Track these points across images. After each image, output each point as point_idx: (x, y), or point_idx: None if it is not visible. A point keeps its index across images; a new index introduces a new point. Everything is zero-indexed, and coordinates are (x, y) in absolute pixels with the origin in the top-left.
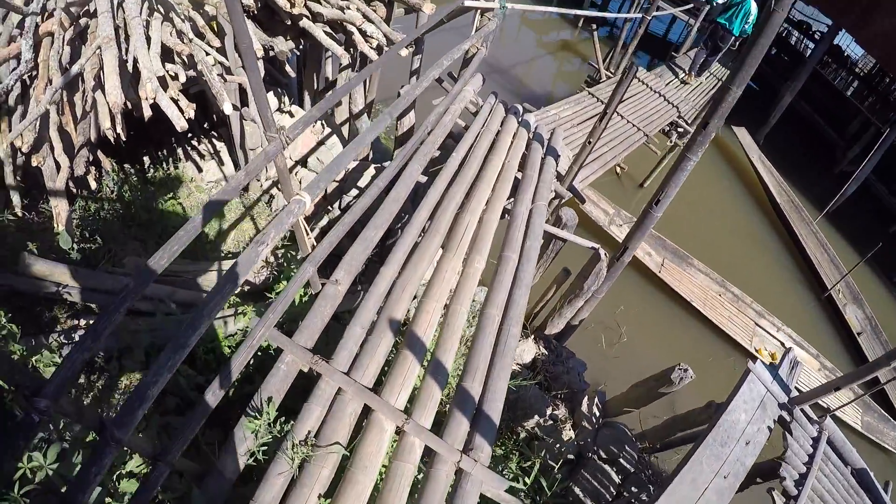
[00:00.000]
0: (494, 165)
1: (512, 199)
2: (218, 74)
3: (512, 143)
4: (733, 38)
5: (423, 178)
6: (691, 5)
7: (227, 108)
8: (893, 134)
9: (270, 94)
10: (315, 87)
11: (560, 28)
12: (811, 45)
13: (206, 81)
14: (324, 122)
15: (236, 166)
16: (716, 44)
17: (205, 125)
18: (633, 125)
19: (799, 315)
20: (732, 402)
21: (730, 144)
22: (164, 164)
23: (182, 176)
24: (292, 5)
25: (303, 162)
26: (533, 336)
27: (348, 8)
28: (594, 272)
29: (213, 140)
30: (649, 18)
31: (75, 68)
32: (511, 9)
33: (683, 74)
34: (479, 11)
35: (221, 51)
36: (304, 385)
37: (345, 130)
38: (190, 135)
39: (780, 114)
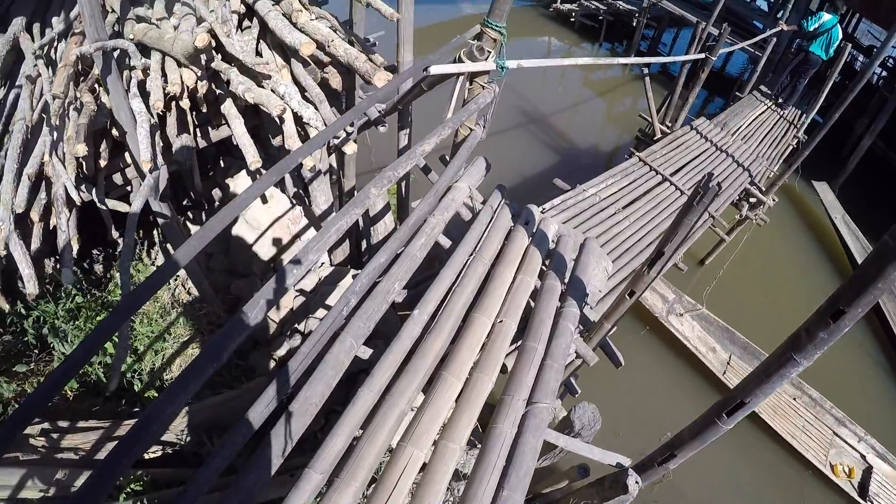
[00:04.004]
0: (475, 335)
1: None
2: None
3: (513, 282)
4: (822, 62)
5: (367, 352)
6: (759, 37)
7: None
8: None
9: (243, 173)
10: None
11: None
12: (877, 71)
13: None
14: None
15: (210, 257)
16: (802, 72)
17: (184, 202)
18: None
19: (883, 414)
20: None
21: (808, 201)
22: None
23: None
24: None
25: (273, 261)
26: None
27: (269, 82)
28: (617, 500)
29: (188, 223)
30: (713, 59)
31: None
32: (519, 67)
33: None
34: (463, 78)
35: None
36: None
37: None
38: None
39: (859, 158)
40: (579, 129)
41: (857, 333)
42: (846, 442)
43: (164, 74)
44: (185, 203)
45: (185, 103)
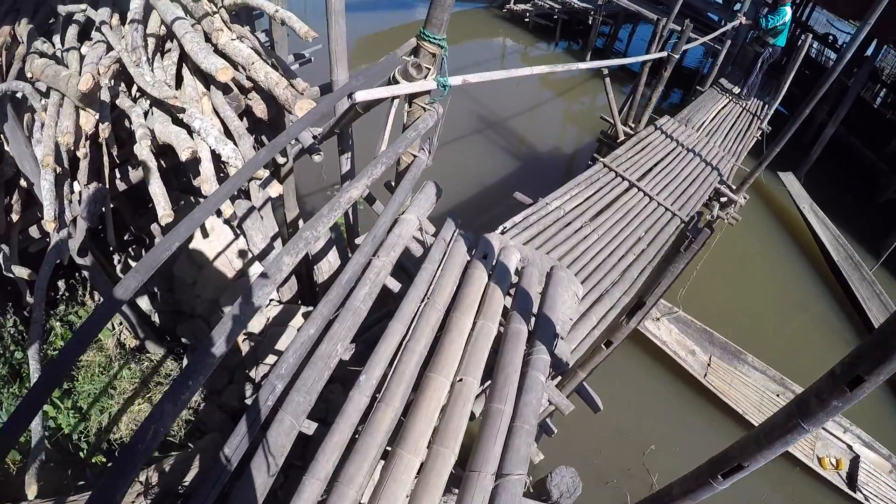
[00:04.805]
0: (431, 400)
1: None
2: None
3: (473, 329)
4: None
5: (312, 427)
6: (719, 31)
7: None
8: None
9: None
10: None
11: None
12: (832, 56)
13: None
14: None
15: (154, 298)
16: (761, 63)
17: (125, 237)
18: (667, 209)
19: (866, 403)
20: None
21: (775, 193)
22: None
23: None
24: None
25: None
26: None
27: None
28: None
29: (129, 260)
30: (676, 57)
31: None
32: (465, 83)
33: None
34: (399, 100)
35: None
36: None
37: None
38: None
39: (822, 147)
40: (539, 132)
41: (839, 325)
42: (832, 434)
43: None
44: (125, 238)
45: (83, 153)
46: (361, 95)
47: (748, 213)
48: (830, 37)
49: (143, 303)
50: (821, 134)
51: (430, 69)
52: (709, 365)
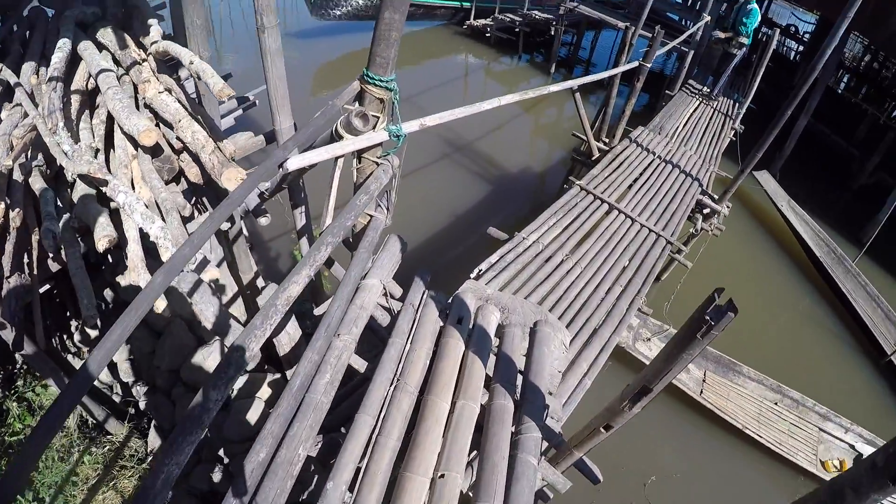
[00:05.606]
0: None
1: None
2: None
3: (452, 412)
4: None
5: None
6: (687, 34)
7: None
8: None
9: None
10: None
11: (529, 75)
12: (793, 46)
13: None
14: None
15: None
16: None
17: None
18: (650, 230)
19: (861, 396)
20: None
21: (753, 194)
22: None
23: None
24: None
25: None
26: None
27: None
28: None
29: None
30: (648, 66)
31: None
32: (419, 129)
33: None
34: (346, 157)
35: None
36: None
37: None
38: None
39: (795, 140)
40: (508, 150)
41: (827, 321)
42: (833, 436)
43: None
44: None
45: None
46: (295, 163)
47: (727, 217)
48: (792, 28)
49: (104, 375)
50: (792, 127)
51: (378, 117)
52: (704, 381)
